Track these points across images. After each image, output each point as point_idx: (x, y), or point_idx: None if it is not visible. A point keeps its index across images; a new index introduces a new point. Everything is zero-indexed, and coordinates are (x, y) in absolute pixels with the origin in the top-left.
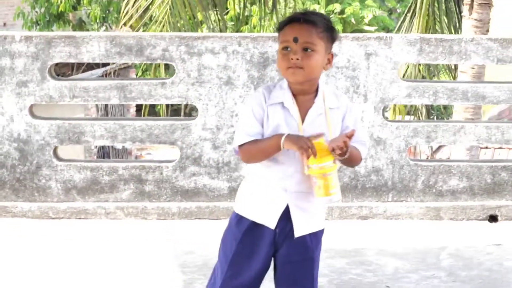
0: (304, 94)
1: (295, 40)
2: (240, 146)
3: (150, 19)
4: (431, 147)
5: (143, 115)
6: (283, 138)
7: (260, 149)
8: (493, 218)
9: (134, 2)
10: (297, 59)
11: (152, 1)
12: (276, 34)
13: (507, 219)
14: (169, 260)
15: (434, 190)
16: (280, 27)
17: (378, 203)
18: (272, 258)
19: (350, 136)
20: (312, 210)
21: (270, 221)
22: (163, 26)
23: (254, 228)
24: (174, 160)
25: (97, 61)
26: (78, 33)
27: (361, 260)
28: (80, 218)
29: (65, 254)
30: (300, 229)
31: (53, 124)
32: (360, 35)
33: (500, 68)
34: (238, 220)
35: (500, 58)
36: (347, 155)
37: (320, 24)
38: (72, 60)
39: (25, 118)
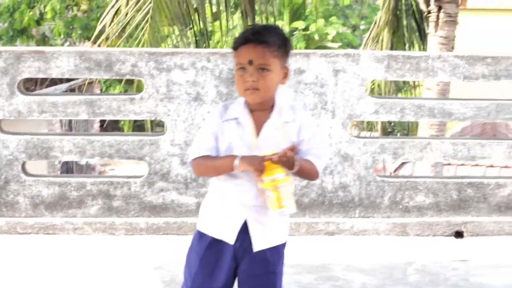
0: (261, 110)
1: (250, 62)
2: (193, 159)
3: (129, 37)
4: (384, 165)
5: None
6: (237, 160)
7: (212, 166)
8: (459, 234)
9: (111, 21)
10: (253, 81)
11: (129, 21)
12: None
13: (472, 235)
14: (137, 275)
15: (400, 206)
16: (235, 47)
17: (345, 219)
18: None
19: (292, 149)
20: (271, 224)
21: (229, 237)
22: (143, 44)
23: (215, 244)
24: (142, 176)
25: (66, 76)
26: (47, 48)
27: (328, 275)
28: (48, 233)
29: (32, 270)
30: (259, 244)
31: (22, 139)
32: (328, 51)
33: (466, 85)
34: (199, 237)
35: (467, 75)
36: (295, 169)
37: (274, 43)
38: (41, 75)
39: None
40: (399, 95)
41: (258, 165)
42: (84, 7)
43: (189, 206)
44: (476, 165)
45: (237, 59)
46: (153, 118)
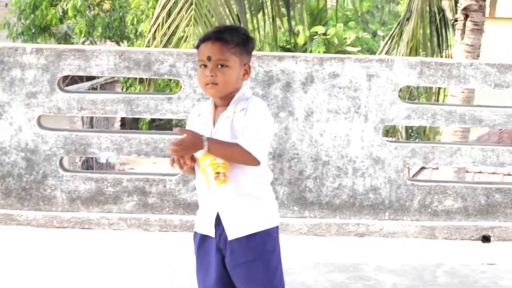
0: (224, 105)
1: (209, 58)
2: None
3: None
4: (408, 169)
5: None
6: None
7: None
8: (486, 239)
9: (155, 31)
10: (212, 76)
11: (178, 24)
12: (281, 53)
13: (499, 239)
14: (170, 271)
15: (429, 210)
16: (197, 46)
17: (375, 221)
18: None
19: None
20: (243, 212)
21: (210, 230)
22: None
23: (203, 240)
24: (177, 174)
25: (106, 74)
26: (87, 47)
27: (360, 275)
28: (83, 228)
29: (68, 263)
30: (233, 232)
31: (60, 135)
32: (363, 56)
33: (490, 93)
34: (194, 236)
35: (498, 83)
36: (204, 149)
37: (231, 41)
38: (81, 73)
39: (33, 129)
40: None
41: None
42: (106, 6)
43: None
44: (494, 173)
45: (198, 55)
46: None
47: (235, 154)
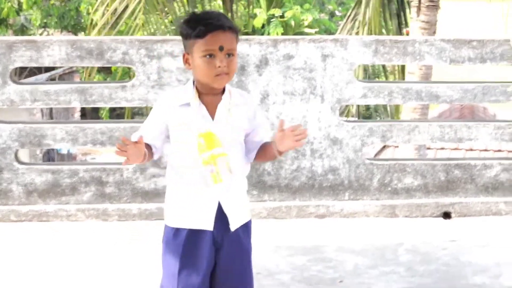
0: (213, 94)
1: (221, 48)
2: None
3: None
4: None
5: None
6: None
7: None
8: (447, 215)
9: (103, 13)
10: (225, 66)
11: (123, 10)
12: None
13: (460, 215)
14: (130, 260)
15: (389, 188)
16: (200, 35)
17: (335, 202)
18: None
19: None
20: (239, 201)
21: (207, 223)
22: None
23: (192, 236)
24: None
25: (58, 65)
26: (39, 38)
27: (321, 257)
28: (41, 221)
29: (26, 257)
30: (234, 223)
31: (14, 128)
32: (317, 37)
33: (448, 69)
34: (174, 233)
35: (453, 59)
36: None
37: (236, 30)
38: (33, 64)
39: None
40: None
41: (119, 148)
42: None
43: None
44: (456, 148)
45: (205, 46)
46: (144, 105)
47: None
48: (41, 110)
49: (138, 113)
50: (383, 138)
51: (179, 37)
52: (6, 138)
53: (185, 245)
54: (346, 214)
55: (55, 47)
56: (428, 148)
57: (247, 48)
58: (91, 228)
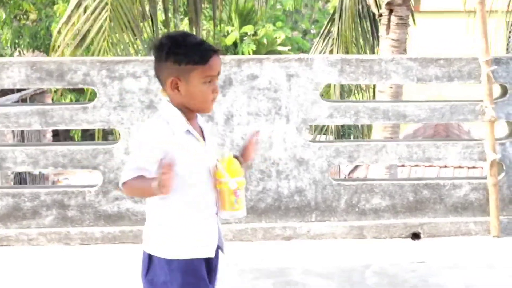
0: (192, 118)
1: (218, 74)
2: (124, 182)
3: (86, 47)
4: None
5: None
6: (154, 184)
7: (139, 190)
8: (415, 236)
9: (67, 32)
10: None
11: (88, 30)
12: None
13: (429, 236)
14: (93, 285)
15: (357, 209)
16: (206, 60)
17: (301, 223)
18: None
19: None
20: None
21: (210, 250)
22: (101, 53)
23: (191, 265)
24: (96, 185)
25: (18, 86)
26: None
27: (287, 280)
28: (2, 245)
29: None
30: (223, 246)
31: None
32: (282, 56)
33: (419, 87)
34: (192, 264)
35: (420, 77)
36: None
37: None
38: None
39: None
40: (352, 97)
41: (161, 180)
42: (33, 16)
43: (145, 214)
44: (431, 165)
45: (208, 72)
46: (106, 127)
47: None
48: (12, 131)
49: (111, 133)
50: (350, 158)
51: (141, 58)
52: None
53: (185, 277)
54: (313, 235)
55: (15, 69)
56: (402, 165)
57: None
58: (53, 252)
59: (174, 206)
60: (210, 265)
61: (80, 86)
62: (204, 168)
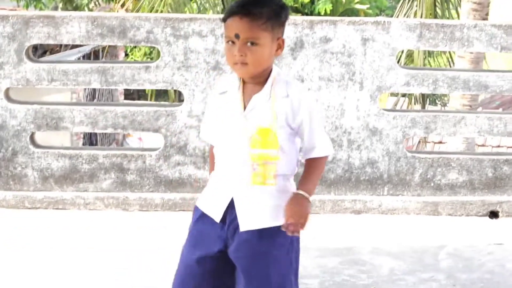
0: (254, 82)
1: (237, 36)
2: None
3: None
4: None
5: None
6: None
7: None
8: (494, 214)
9: None
10: (241, 55)
11: None
12: None
13: (508, 215)
14: (151, 253)
15: (432, 184)
16: (224, 19)
17: (372, 197)
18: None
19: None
20: (262, 203)
21: (216, 214)
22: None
23: (205, 218)
24: (158, 149)
25: (77, 42)
26: (57, 13)
27: (355, 259)
28: (57, 209)
29: (41, 246)
30: (246, 223)
31: (30, 109)
32: (357, 19)
33: (501, 53)
34: (195, 210)
35: (504, 46)
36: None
37: (262, 15)
38: (51, 42)
39: (0, 102)
40: (429, 61)
41: None
42: None
43: (207, 181)
44: (498, 146)
45: (225, 31)
46: (169, 88)
47: (320, 174)
48: (84, 89)
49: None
50: (426, 129)
51: (208, 16)
52: (21, 119)
53: (196, 223)
54: (384, 210)
55: (75, 24)
56: (483, 145)
57: None
58: (111, 218)
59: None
60: (225, 235)
61: (142, 44)
62: (235, 133)
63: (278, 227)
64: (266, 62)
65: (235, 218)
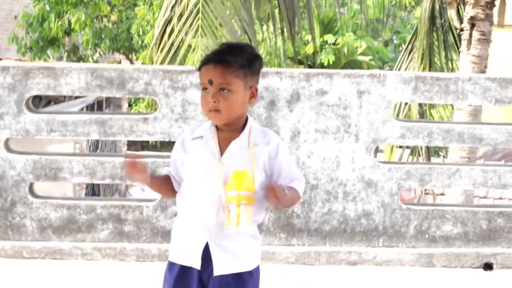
0: (230, 130)
1: (210, 82)
2: None
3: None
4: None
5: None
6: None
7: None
8: (488, 266)
9: (169, 35)
10: (214, 101)
11: (185, 33)
12: (265, 69)
13: (503, 267)
14: None
15: (426, 236)
16: (199, 67)
17: (368, 248)
18: None
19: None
20: (235, 249)
21: (195, 262)
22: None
23: (184, 272)
24: (155, 199)
25: (77, 94)
26: (57, 64)
27: None
28: (55, 259)
29: None
30: (219, 268)
31: (29, 159)
32: (353, 71)
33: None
34: (169, 266)
35: (499, 99)
36: (282, 203)
37: (234, 63)
38: (50, 93)
39: (0, 153)
40: (427, 112)
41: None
42: (113, 18)
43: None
44: (500, 198)
45: (200, 79)
46: (167, 139)
47: (294, 200)
48: (87, 140)
49: None
50: (421, 181)
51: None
52: (20, 169)
53: (176, 280)
54: (379, 262)
55: (74, 75)
56: (485, 197)
57: (278, 82)
58: (108, 269)
59: (178, 209)
60: (202, 280)
61: (141, 95)
62: (209, 177)
63: (249, 272)
64: (239, 109)
65: (209, 263)
